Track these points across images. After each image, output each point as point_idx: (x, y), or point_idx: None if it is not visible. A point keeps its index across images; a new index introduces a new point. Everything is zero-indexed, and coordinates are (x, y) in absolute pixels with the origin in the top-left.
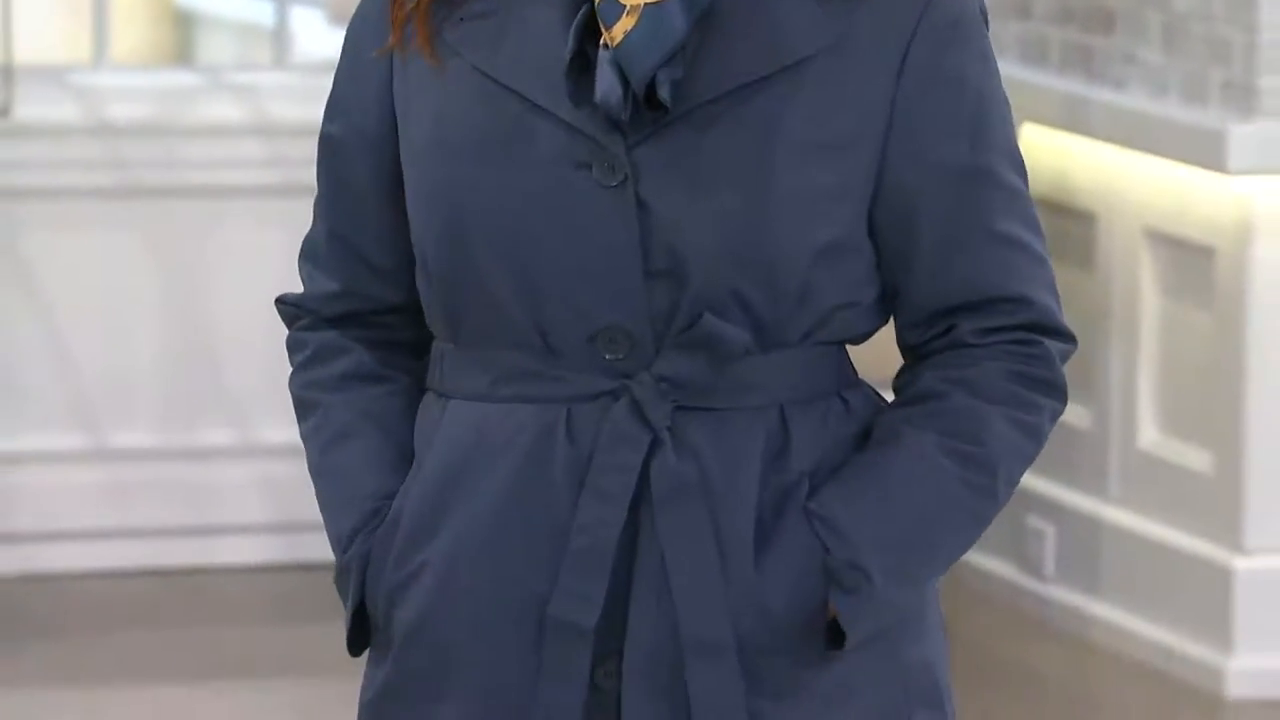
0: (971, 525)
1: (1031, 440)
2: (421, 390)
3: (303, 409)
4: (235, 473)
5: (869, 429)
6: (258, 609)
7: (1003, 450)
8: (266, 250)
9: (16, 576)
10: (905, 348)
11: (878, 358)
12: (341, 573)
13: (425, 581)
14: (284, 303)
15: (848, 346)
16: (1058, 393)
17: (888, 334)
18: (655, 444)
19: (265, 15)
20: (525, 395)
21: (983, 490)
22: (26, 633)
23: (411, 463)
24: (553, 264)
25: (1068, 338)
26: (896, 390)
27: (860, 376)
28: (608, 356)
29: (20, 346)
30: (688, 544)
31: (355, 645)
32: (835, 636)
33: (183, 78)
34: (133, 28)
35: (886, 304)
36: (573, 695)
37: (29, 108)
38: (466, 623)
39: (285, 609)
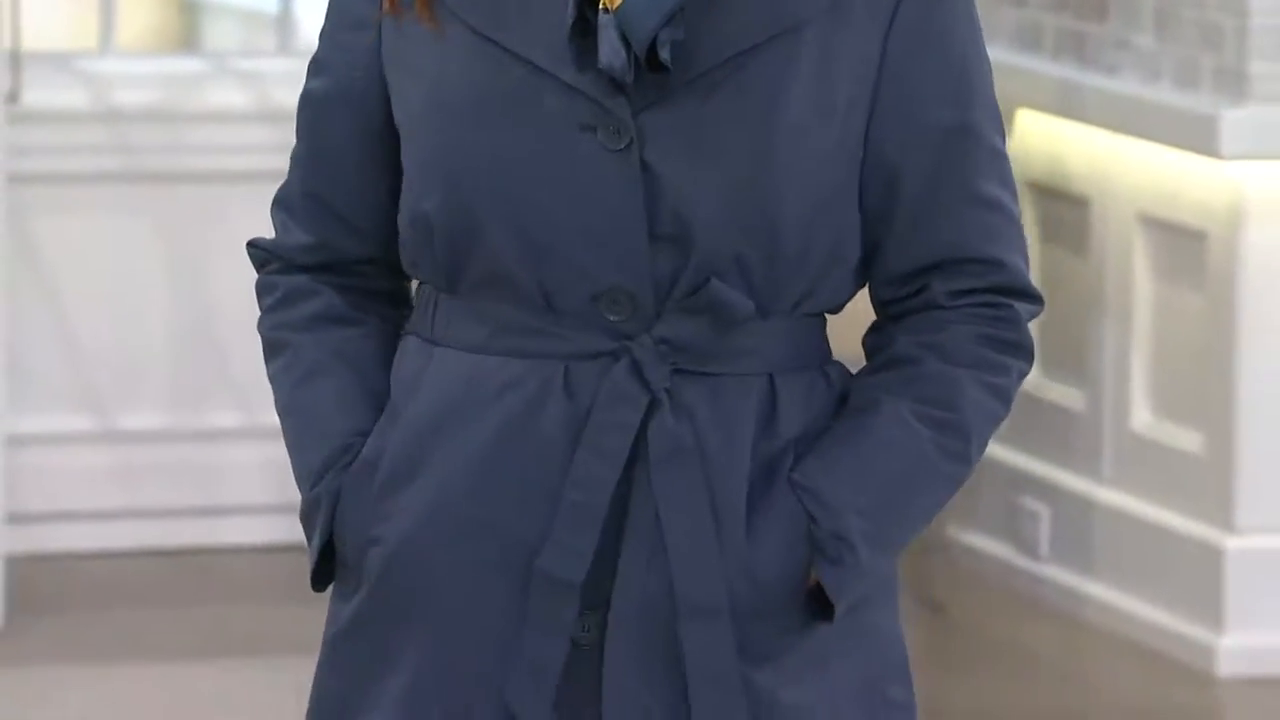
0: (946, 489)
1: (1001, 402)
2: (394, 335)
3: (272, 349)
4: (242, 454)
5: (845, 397)
6: (264, 588)
7: (975, 414)
8: (271, 234)
9: (25, 556)
10: (879, 303)
11: (852, 328)
12: (309, 508)
13: (404, 522)
14: (255, 247)
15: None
16: (1024, 354)
17: (851, 316)
18: (653, 405)
19: (270, 1)
20: (523, 350)
21: (957, 455)
22: (35, 611)
23: (383, 405)
24: (557, 226)
25: (1035, 299)
26: (868, 350)
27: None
28: (611, 318)
29: (29, 329)
30: (683, 506)
31: (319, 581)
32: (820, 605)
33: (188, 64)
34: (139, 14)
35: (863, 268)
36: (556, 649)
37: (36, 93)
38: (446, 563)
39: (291, 588)
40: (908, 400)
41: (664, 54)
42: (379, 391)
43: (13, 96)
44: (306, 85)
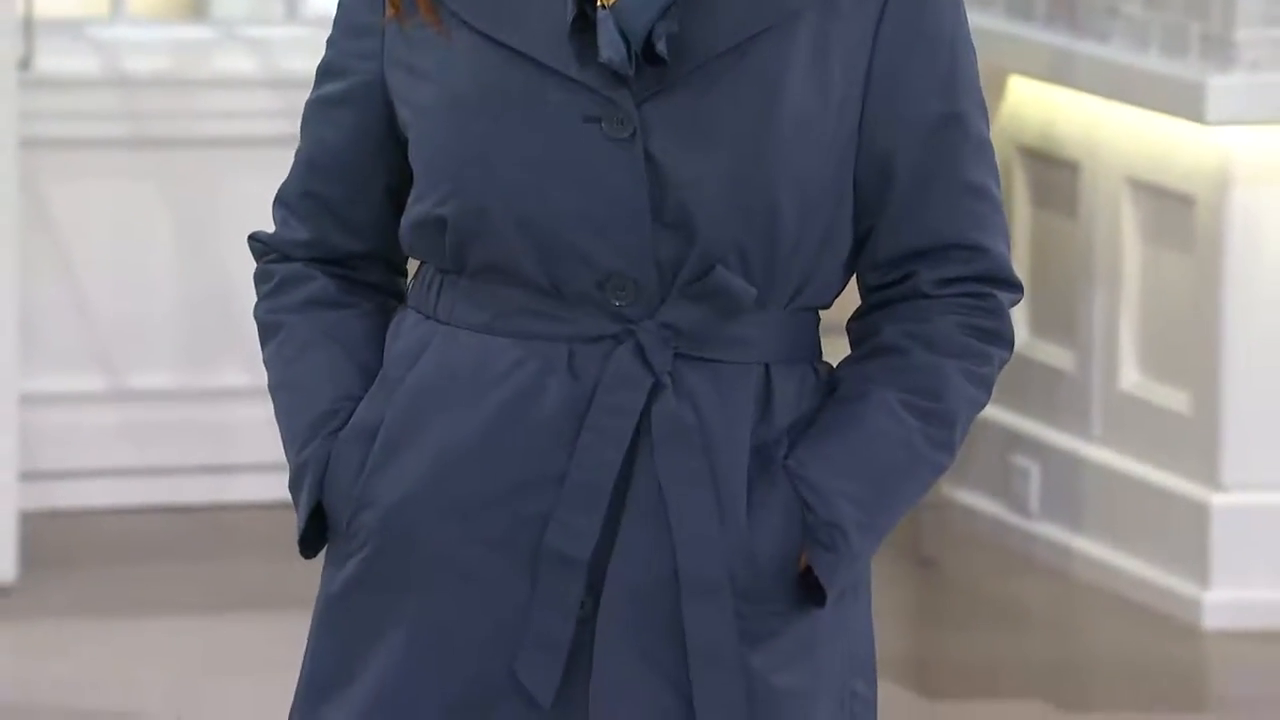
0: (931, 477)
1: (983, 390)
2: (385, 318)
3: (266, 333)
4: (250, 412)
5: (833, 391)
6: (271, 544)
7: (960, 404)
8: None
9: (38, 512)
10: (865, 289)
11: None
12: (297, 473)
13: (401, 488)
14: (256, 239)
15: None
16: (1005, 343)
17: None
18: (656, 388)
19: None
20: (528, 331)
21: (943, 444)
22: (48, 567)
23: (373, 378)
24: (563, 215)
25: (1016, 287)
26: (853, 337)
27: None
28: (616, 303)
29: (42, 291)
30: (687, 487)
31: (309, 547)
32: (809, 592)
33: (198, 31)
34: None
35: (852, 259)
36: (566, 624)
37: (48, 60)
38: (443, 532)
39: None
40: (896, 390)
41: (660, 47)
42: (368, 366)
43: (25, 63)
44: (314, 90)
